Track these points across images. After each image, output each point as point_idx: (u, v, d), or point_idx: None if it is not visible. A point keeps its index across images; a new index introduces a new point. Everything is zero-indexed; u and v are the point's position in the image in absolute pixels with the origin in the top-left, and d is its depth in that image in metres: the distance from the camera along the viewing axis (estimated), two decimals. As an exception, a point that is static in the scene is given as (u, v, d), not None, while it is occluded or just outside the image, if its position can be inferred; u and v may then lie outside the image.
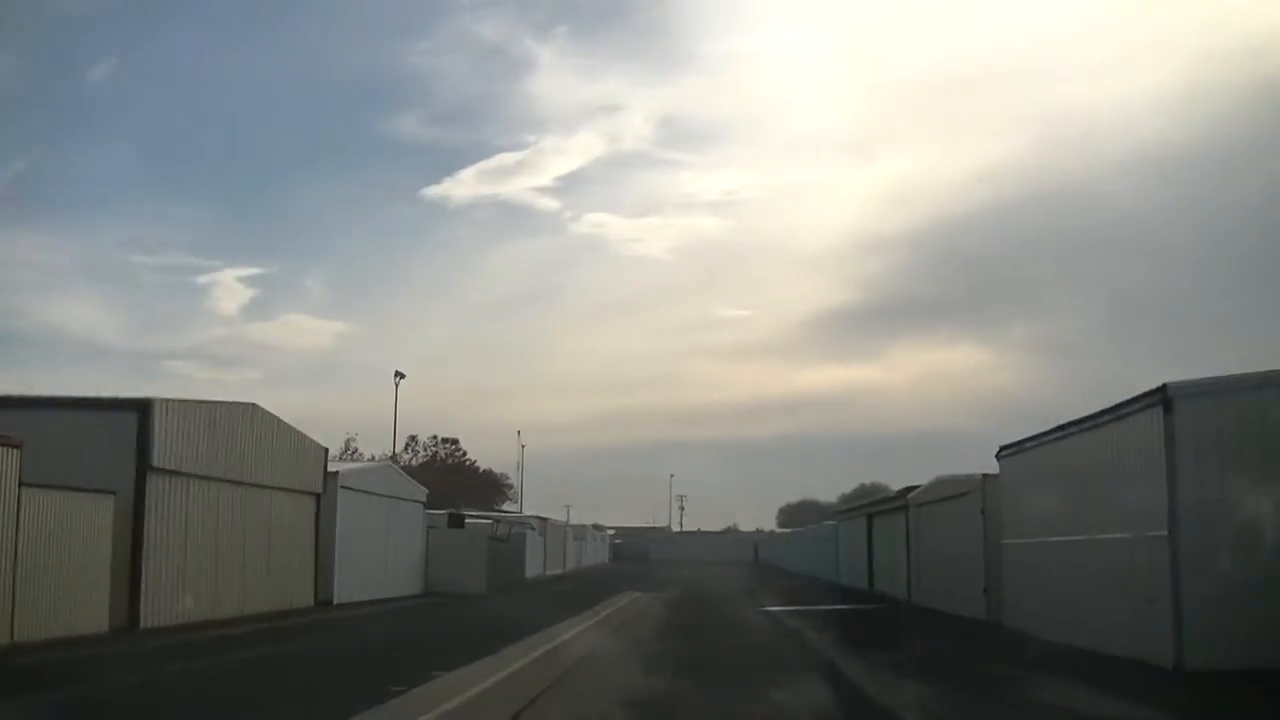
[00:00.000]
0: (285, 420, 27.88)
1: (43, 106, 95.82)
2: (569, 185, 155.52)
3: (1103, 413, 17.37)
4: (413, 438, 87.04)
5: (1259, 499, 14.03)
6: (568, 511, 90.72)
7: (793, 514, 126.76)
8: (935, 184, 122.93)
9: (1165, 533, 14.63)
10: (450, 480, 74.33)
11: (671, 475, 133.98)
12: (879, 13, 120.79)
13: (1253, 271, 77.41)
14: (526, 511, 77.41)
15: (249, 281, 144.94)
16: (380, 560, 33.97)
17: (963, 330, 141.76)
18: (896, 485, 59.89)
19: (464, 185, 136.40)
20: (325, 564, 29.51)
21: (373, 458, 67.65)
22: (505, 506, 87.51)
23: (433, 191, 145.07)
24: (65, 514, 18.65)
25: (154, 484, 21.59)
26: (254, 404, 26.62)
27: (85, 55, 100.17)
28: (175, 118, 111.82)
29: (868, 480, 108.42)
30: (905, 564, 32.58)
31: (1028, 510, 21.38)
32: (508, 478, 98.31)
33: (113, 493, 20.13)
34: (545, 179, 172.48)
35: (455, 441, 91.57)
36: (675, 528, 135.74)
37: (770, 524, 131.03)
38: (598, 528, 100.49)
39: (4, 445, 16.83)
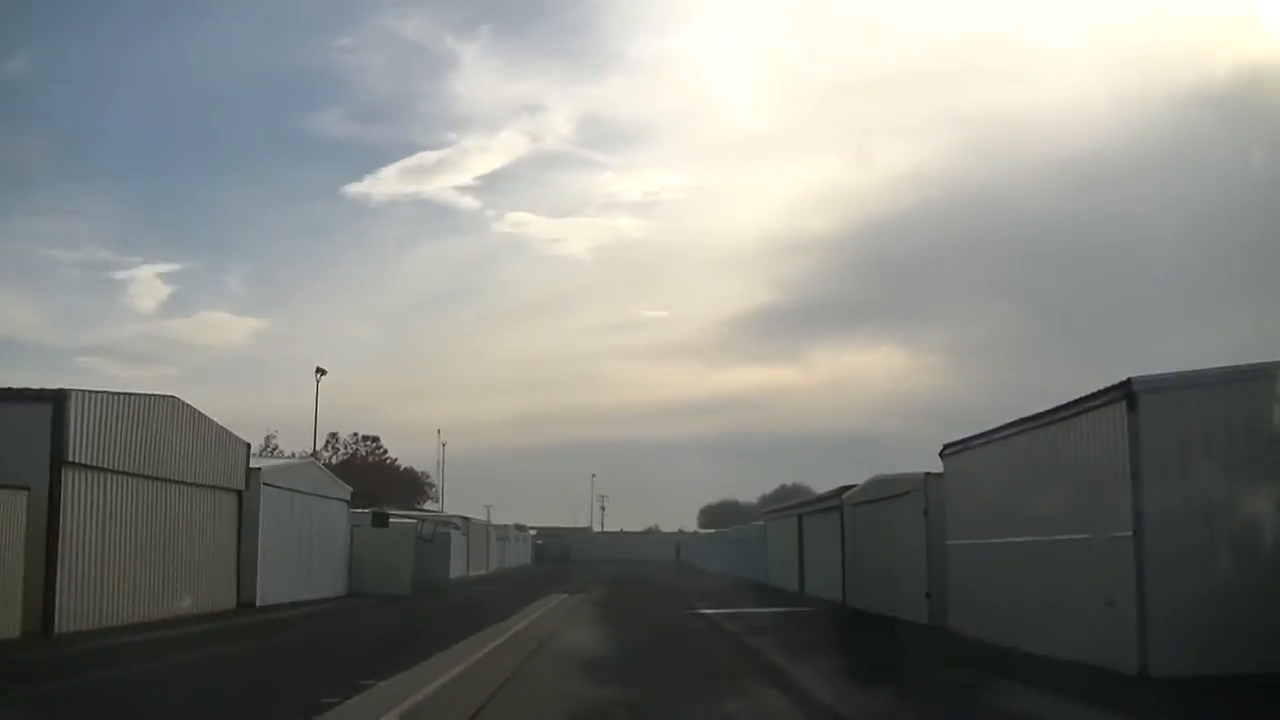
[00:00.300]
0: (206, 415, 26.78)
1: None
2: (491, 184, 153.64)
3: (1061, 408, 16.87)
4: (333, 435, 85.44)
5: (1228, 498, 13.78)
6: (488, 511, 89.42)
7: (714, 514, 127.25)
8: (856, 187, 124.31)
9: (1130, 533, 14.27)
10: (371, 479, 72.60)
11: (593, 475, 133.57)
12: (801, 16, 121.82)
13: (1172, 278, 79.63)
14: (448, 511, 76.25)
15: (167, 278, 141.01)
16: (304, 560, 32.83)
17: (883, 333, 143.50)
18: (817, 486, 60.58)
19: (385, 183, 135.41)
20: (248, 564, 28.48)
21: (294, 455, 65.89)
22: (427, 506, 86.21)
23: (354, 189, 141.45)
24: (-27, 511, 17.53)
25: (70, 479, 20.52)
26: (174, 397, 25.58)
27: None
28: (93, 112, 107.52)
29: (789, 481, 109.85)
30: (840, 566, 32.42)
31: (975, 510, 21.00)
32: (429, 476, 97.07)
33: (26, 488, 19.25)
34: (467, 178, 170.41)
35: (376, 439, 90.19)
36: (597, 528, 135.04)
37: (692, 525, 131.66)
38: (519, 528, 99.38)
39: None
